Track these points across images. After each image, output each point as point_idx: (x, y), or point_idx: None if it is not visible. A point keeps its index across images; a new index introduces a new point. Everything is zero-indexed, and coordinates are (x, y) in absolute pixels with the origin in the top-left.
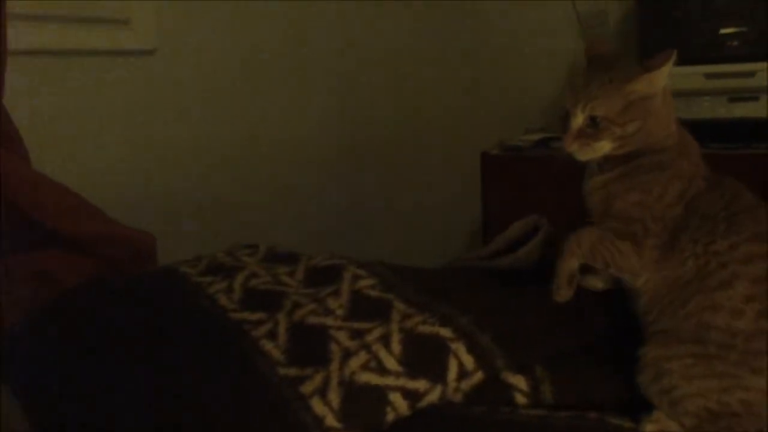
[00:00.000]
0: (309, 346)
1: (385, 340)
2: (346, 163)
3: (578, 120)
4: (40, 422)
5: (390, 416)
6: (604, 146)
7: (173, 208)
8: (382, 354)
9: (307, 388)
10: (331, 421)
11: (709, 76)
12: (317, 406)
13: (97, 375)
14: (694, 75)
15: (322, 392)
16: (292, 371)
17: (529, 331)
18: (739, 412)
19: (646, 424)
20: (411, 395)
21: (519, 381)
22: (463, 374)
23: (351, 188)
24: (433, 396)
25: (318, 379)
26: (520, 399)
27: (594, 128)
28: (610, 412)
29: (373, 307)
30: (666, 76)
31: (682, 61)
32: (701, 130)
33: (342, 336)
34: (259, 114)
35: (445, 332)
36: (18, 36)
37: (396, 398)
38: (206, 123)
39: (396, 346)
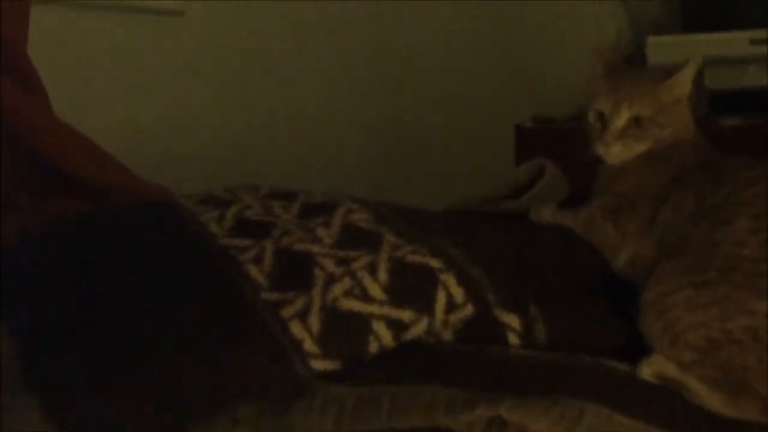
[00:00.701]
0: (293, 271)
1: (371, 268)
2: (379, 135)
3: (621, 120)
4: (26, 347)
5: (373, 346)
6: (642, 148)
7: (196, 171)
8: (368, 281)
9: (287, 311)
10: (309, 345)
11: (754, 41)
12: (296, 329)
13: (84, 298)
14: (738, 41)
15: (302, 316)
16: (274, 296)
17: (523, 267)
18: (741, 340)
19: (644, 367)
20: (395, 325)
21: (512, 320)
22: (452, 306)
23: (385, 159)
24: (419, 328)
25: (299, 303)
26: (513, 339)
27: (637, 129)
28: (607, 357)
29: (362, 238)
30: (690, 81)
31: (725, 26)
32: (744, 98)
33: (327, 262)
34: (290, 79)
35: (435, 263)
36: None
37: (380, 327)
38: (233, 86)
39: (382, 275)
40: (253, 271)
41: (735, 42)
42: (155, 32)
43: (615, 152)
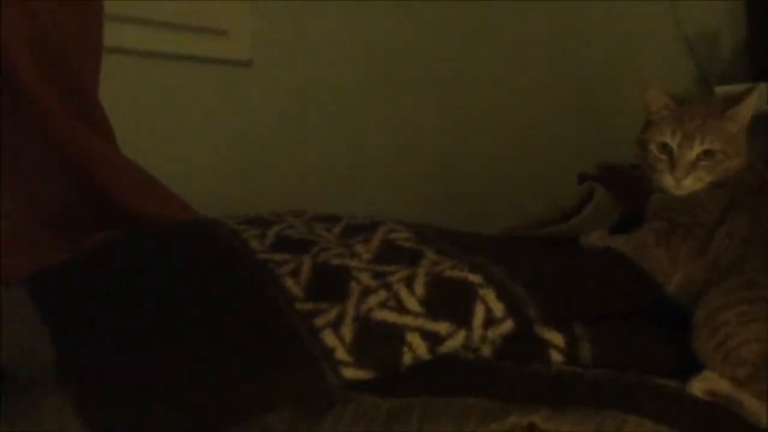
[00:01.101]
0: (329, 283)
1: (408, 281)
2: (442, 180)
3: (693, 152)
4: (67, 351)
5: (407, 357)
6: (712, 178)
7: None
8: (403, 294)
9: (320, 321)
10: (341, 354)
11: None
12: (328, 338)
13: (125, 310)
14: None
15: (335, 326)
16: (308, 306)
17: (567, 285)
18: None
19: (695, 383)
20: (431, 337)
21: (555, 337)
22: (490, 321)
23: (447, 204)
24: (456, 341)
25: (333, 313)
26: (556, 356)
27: (708, 161)
28: (654, 375)
29: (401, 254)
30: (750, 110)
31: None
32: None
33: (364, 276)
34: (356, 128)
35: (474, 278)
36: (119, 35)
37: (414, 338)
38: (300, 134)
39: (419, 288)
40: (290, 283)
41: None
42: (224, 81)
43: (686, 185)
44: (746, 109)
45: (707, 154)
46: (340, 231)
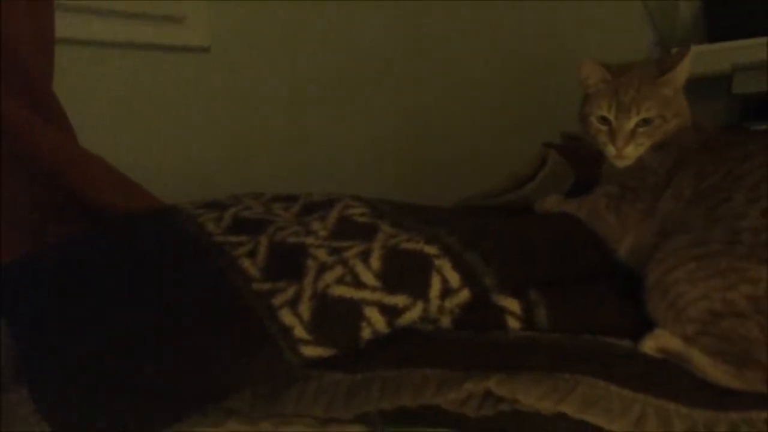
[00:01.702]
0: (286, 262)
1: (364, 255)
2: (405, 156)
3: (630, 123)
4: (29, 351)
5: (366, 332)
6: (651, 142)
7: None
8: (359, 268)
9: (278, 300)
10: (300, 332)
11: None
12: (286, 317)
13: (81, 299)
14: (765, 46)
15: (293, 304)
16: (266, 286)
17: (522, 252)
18: (744, 310)
19: (646, 341)
20: (389, 311)
21: (511, 304)
22: (447, 291)
23: (412, 178)
24: (414, 313)
25: (290, 292)
26: (513, 323)
27: (647, 127)
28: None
29: (357, 229)
30: (685, 72)
31: (750, 34)
32: None
33: (320, 252)
34: (313, 118)
35: (430, 249)
36: (73, 26)
37: (372, 313)
38: (259, 122)
39: (375, 262)
40: (246, 264)
41: (762, 48)
42: (183, 68)
43: (628, 153)
44: (681, 73)
45: (645, 121)
46: (298, 210)
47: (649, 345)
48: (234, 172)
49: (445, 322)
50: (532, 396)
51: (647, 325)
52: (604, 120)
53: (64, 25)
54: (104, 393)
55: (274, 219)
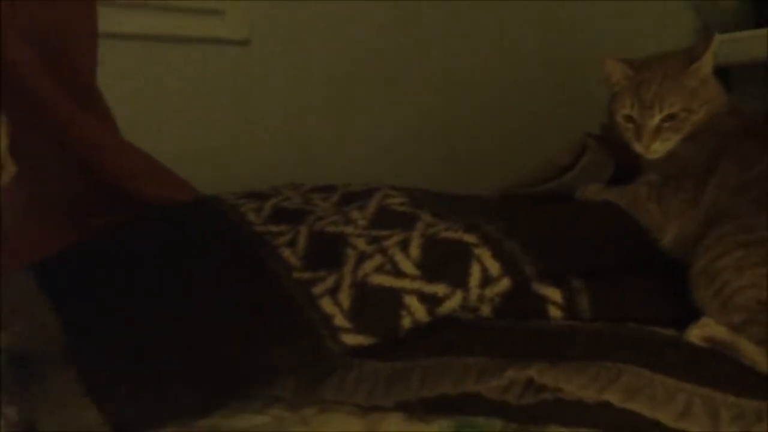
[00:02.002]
0: (325, 251)
1: (403, 244)
2: (441, 169)
3: (654, 121)
4: (78, 338)
5: (406, 320)
6: (680, 136)
7: None
8: (399, 257)
9: (318, 289)
10: (340, 320)
11: None
12: (326, 305)
13: (132, 289)
14: None
15: (333, 293)
16: (306, 275)
17: (562, 241)
18: None
19: (693, 330)
20: (428, 299)
21: (553, 293)
22: (487, 280)
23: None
24: (454, 302)
25: (330, 280)
26: (554, 312)
27: (672, 122)
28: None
29: (397, 219)
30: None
31: None
32: None
33: (359, 242)
34: (353, 111)
35: (469, 238)
36: (114, 20)
37: (412, 301)
38: (298, 114)
39: (414, 250)
40: (287, 253)
41: None
42: (223, 61)
43: (655, 149)
44: (705, 64)
45: (670, 117)
46: (337, 200)
47: (694, 334)
48: (272, 164)
49: (486, 310)
50: (574, 384)
51: (692, 314)
52: (629, 118)
53: (105, 20)
54: (152, 379)
55: (313, 209)
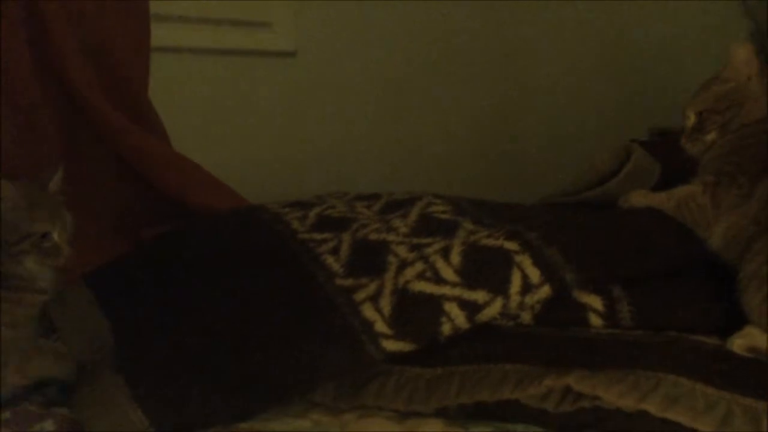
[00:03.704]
0: (368, 258)
1: (444, 252)
2: (488, 178)
3: (690, 120)
4: (125, 342)
5: (446, 327)
6: (710, 137)
7: None
8: (440, 264)
9: (359, 295)
10: (381, 326)
11: None
12: (367, 311)
13: (179, 295)
14: None
15: (374, 299)
16: (348, 281)
17: (603, 249)
18: None
19: (735, 340)
20: (469, 306)
21: (594, 300)
22: (527, 287)
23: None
24: (494, 309)
25: (372, 287)
26: (595, 320)
27: (700, 123)
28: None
29: (438, 226)
30: (746, 62)
31: None
32: None
33: (401, 249)
34: (400, 120)
35: (510, 245)
36: (165, 35)
37: (452, 308)
38: (345, 124)
39: (455, 258)
40: (330, 260)
41: None
42: (270, 72)
43: (689, 148)
44: (731, 69)
45: (700, 116)
46: (380, 208)
47: (738, 344)
48: (321, 173)
49: (526, 318)
50: (613, 393)
51: (737, 322)
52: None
53: (156, 34)
54: (196, 382)
55: (356, 217)
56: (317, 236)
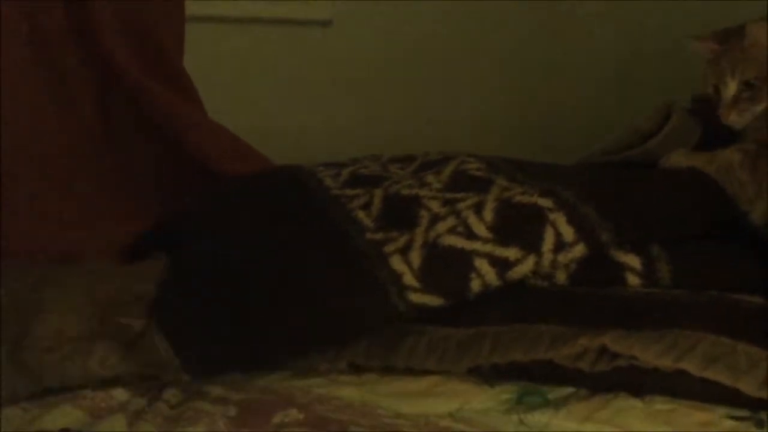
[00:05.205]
0: (399, 213)
1: (477, 207)
2: (525, 147)
3: (731, 89)
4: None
5: (475, 283)
6: (761, 107)
7: None
8: (472, 220)
9: (389, 248)
10: (409, 279)
11: None
12: (396, 263)
13: (211, 249)
14: None
15: (404, 252)
16: (378, 235)
17: (642, 208)
18: None
19: None
20: (500, 263)
21: (631, 260)
22: (560, 245)
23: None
24: (526, 267)
25: (402, 240)
26: (633, 279)
27: (750, 92)
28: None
29: (472, 182)
30: None
31: None
32: None
33: (433, 204)
34: (438, 87)
35: (544, 202)
36: (199, 4)
37: (482, 264)
38: (381, 95)
39: (488, 214)
40: (361, 215)
41: None
42: (305, 42)
43: (733, 120)
44: (758, 48)
45: (747, 86)
46: (415, 168)
47: None
48: (355, 144)
49: (561, 278)
50: (650, 353)
51: None
52: (715, 88)
53: (189, 3)
54: (227, 335)
55: (389, 176)
56: (349, 192)
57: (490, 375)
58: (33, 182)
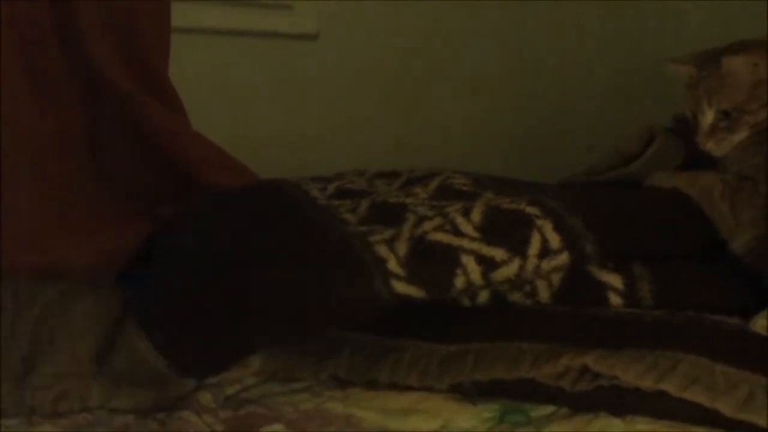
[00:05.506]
0: (385, 215)
1: (465, 210)
2: (511, 162)
3: (708, 117)
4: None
5: (459, 280)
6: (739, 137)
7: None
8: (460, 220)
9: (375, 238)
10: (393, 266)
11: None
12: (381, 250)
13: (195, 254)
14: None
15: (390, 242)
16: (363, 228)
17: (626, 223)
18: None
19: (758, 320)
20: (485, 262)
21: (613, 279)
22: (546, 251)
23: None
24: (510, 269)
25: (388, 233)
26: (615, 299)
27: (727, 121)
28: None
29: (459, 195)
30: (750, 70)
31: None
32: None
33: (420, 208)
34: (422, 105)
35: (532, 210)
36: (185, 15)
37: (468, 261)
38: (367, 108)
39: (476, 216)
40: (348, 216)
41: None
42: (290, 55)
43: (712, 149)
44: (737, 80)
45: (725, 115)
46: (400, 184)
47: (761, 324)
48: (342, 157)
49: (545, 296)
50: (631, 373)
51: (761, 302)
52: (693, 115)
53: (177, 15)
54: (206, 309)
55: (375, 190)
56: (336, 202)
57: (471, 392)
58: (16, 191)
